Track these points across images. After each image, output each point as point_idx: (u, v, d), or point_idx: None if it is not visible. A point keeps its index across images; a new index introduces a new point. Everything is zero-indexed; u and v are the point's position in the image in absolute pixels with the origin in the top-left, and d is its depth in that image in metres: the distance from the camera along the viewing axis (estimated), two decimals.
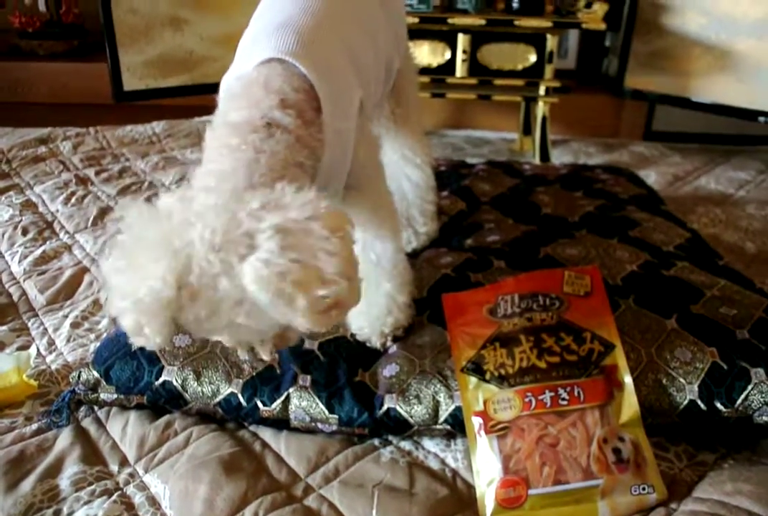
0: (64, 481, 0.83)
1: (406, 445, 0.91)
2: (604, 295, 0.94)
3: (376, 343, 0.99)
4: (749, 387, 0.89)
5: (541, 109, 2.14)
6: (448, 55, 2.05)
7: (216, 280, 0.61)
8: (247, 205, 0.64)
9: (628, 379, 0.88)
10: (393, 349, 0.98)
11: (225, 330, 0.67)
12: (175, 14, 2.16)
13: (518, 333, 0.90)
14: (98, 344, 0.99)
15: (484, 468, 0.84)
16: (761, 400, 0.89)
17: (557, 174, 1.65)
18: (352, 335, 1.00)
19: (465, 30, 2.01)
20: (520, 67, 2.07)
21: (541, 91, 2.09)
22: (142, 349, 0.92)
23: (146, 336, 0.63)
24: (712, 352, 0.93)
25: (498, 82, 2.08)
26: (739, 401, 0.89)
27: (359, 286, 0.68)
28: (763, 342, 0.95)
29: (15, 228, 1.50)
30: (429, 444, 0.91)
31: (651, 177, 2.06)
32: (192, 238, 0.62)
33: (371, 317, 0.98)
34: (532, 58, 2.05)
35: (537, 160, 2.14)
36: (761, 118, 2.13)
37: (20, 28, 2.73)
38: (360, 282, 0.68)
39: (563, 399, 0.85)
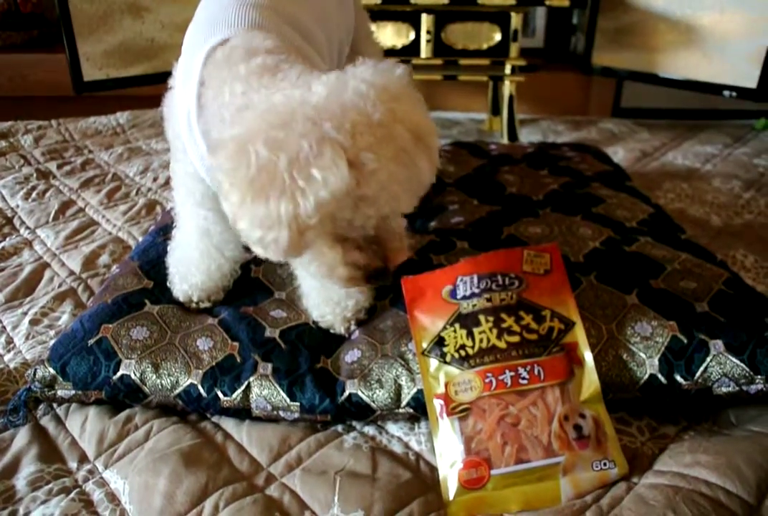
0: (21, 481, 0.81)
1: (369, 430, 0.91)
2: (563, 273, 0.94)
3: (339, 328, 0.98)
4: (708, 359, 0.90)
5: (507, 88, 2.13)
6: (412, 35, 2.03)
7: (390, 169, 0.68)
8: (346, 82, 0.68)
9: (588, 356, 0.88)
10: (356, 334, 0.98)
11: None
12: (134, 1, 2.12)
13: (478, 314, 0.90)
14: (54, 341, 0.97)
15: (447, 450, 0.84)
16: (720, 371, 0.89)
17: (524, 153, 1.65)
18: (314, 323, 1.00)
19: (428, 10, 1.99)
20: (485, 46, 2.05)
21: (507, 70, 2.08)
22: (98, 343, 0.92)
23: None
24: (672, 325, 0.93)
25: (463, 61, 2.06)
26: (698, 373, 0.89)
27: None
28: (722, 314, 0.95)
29: None
30: (393, 428, 0.91)
31: (619, 153, 2.07)
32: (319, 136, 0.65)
33: (332, 303, 0.97)
34: (497, 36, 2.04)
35: (505, 140, 2.13)
36: (726, 92, 2.14)
37: None
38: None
39: (523, 378, 0.85)
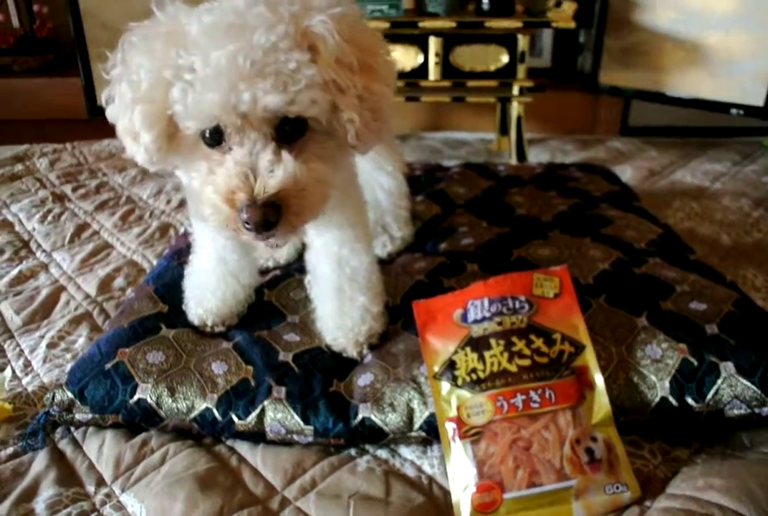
0: (40, 505, 0.82)
1: (382, 453, 0.91)
2: (573, 296, 0.95)
3: (352, 352, 1.00)
4: (719, 381, 0.90)
5: (515, 109, 2.15)
6: (420, 58, 2.06)
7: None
8: None
9: (599, 379, 0.89)
10: (368, 358, 0.99)
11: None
12: None
13: (489, 337, 0.91)
14: (72, 364, 0.98)
15: (459, 473, 0.84)
16: (731, 393, 0.90)
17: (532, 174, 1.66)
18: (327, 346, 1.01)
19: (436, 33, 2.02)
20: (492, 67, 2.08)
21: (515, 91, 2.10)
22: (115, 367, 0.93)
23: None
24: (682, 348, 0.93)
25: (471, 83, 2.09)
26: (709, 396, 0.90)
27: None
28: (732, 336, 0.95)
29: None
30: (405, 451, 0.92)
31: (627, 172, 2.08)
32: None
33: (345, 328, 0.99)
34: (504, 58, 2.06)
35: (513, 160, 2.15)
36: (733, 111, 2.16)
37: None
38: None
39: (534, 402, 0.86)
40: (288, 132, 0.73)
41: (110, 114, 0.79)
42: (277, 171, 0.70)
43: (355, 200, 0.99)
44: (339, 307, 0.98)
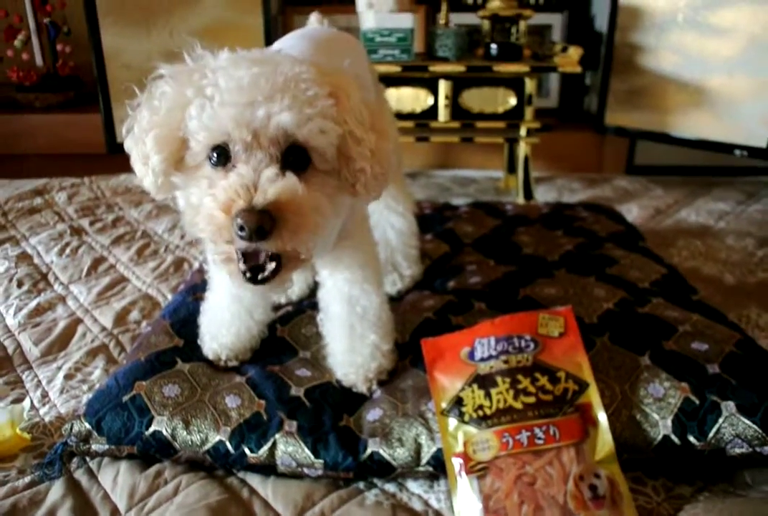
0: None
1: (390, 487, 0.93)
2: (577, 335, 0.97)
3: (361, 388, 1.02)
4: (720, 420, 0.92)
5: (522, 149, 2.20)
6: (430, 100, 2.12)
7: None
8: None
9: (602, 417, 0.91)
10: (377, 393, 1.01)
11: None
12: None
13: (495, 375, 0.93)
14: (90, 396, 1.01)
15: (465, 508, 0.86)
16: (732, 432, 0.91)
17: (539, 213, 1.70)
18: (338, 381, 1.04)
19: (446, 76, 2.08)
20: (501, 109, 2.13)
21: (522, 132, 2.15)
22: (132, 400, 0.96)
23: None
24: (684, 387, 0.96)
25: (480, 124, 2.15)
26: (711, 434, 0.92)
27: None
28: (733, 376, 0.98)
29: (10, 280, 1.54)
30: (413, 486, 0.94)
31: (633, 211, 2.11)
32: None
33: (356, 365, 1.02)
34: (512, 101, 2.12)
35: (521, 199, 2.19)
36: (737, 152, 2.20)
37: (18, 82, 2.81)
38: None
39: (539, 438, 0.88)
40: (292, 162, 0.75)
41: (127, 144, 0.83)
42: (278, 182, 0.72)
43: (366, 241, 1.03)
44: (350, 344, 1.01)
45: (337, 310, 1.01)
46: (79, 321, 1.38)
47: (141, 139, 0.79)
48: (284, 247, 0.73)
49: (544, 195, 2.31)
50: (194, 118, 0.74)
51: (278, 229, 0.71)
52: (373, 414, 0.97)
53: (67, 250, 1.72)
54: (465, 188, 2.43)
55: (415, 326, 1.14)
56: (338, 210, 0.87)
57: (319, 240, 0.83)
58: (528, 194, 2.20)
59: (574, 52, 2.05)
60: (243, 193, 0.70)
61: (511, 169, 2.40)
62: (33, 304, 1.44)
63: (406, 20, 2.01)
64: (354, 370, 1.01)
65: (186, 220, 0.77)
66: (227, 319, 1.05)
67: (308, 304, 1.21)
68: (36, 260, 1.67)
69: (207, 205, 0.73)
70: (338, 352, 1.03)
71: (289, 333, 1.14)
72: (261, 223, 0.70)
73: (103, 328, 1.34)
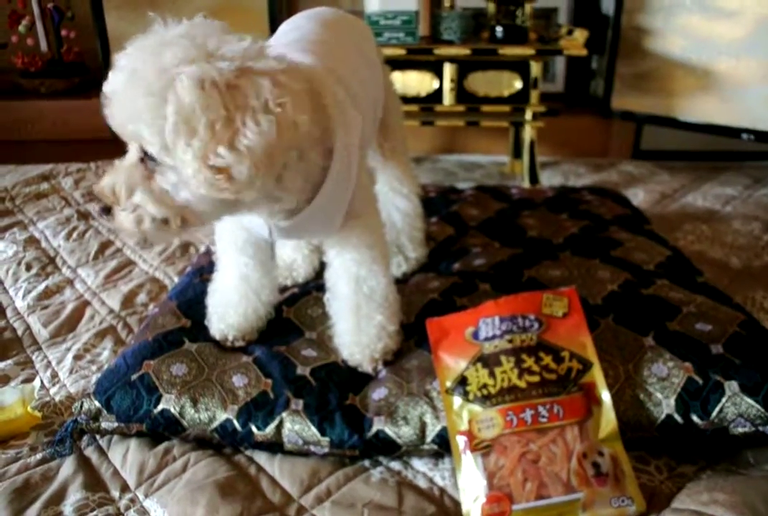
0: (68, 508, 0.86)
1: (395, 465, 0.95)
2: (581, 315, 0.98)
3: (367, 367, 1.03)
4: (723, 400, 0.93)
5: (528, 133, 2.19)
6: (435, 84, 2.11)
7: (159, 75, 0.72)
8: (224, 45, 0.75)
9: (606, 396, 0.92)
10: (382, 373, 1.02)
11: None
12: None
13: (499, 354, 0.94)
14: (99, 375, 1.03)
15: (470, 485, 0.87)
16: (735, 411, 0.92)
17: (544, 197, 1.70)
18: (343, 361, 1.05)
19: (451, 59, 2.07)
20: (506, 93, 2.13)
21: (528, 116, 2.15)
22: (140, 378, 0.98)
23: None
24: (688, 367, 0.96)
25: (485, 108, 2.14)
26: (714, 414, 0.92)
27: (260, 180, 0.77)
28: (737, 356, 0.98)
29: (19, 264, 1.55)
30: (418, 464, 0.95)
31: (639, 195, 2.11)
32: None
33: (362, 345, 1.03)
34: (518, 84, 2.11)
35: (526, 183, 2.19)
36: (744, 136, 2.19)
37: (23, 68, 2.81)
38: (258, 174, 0.76)
39: (543, 416, 0.89)
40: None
41: None
42: None
43: (374, 222, 1.03)
44: (356, 325, 1.02)
45: (344, 290, 1.01)
46: (87, 303, 1.39)
47: None
48: None
49: (549, 179, 2.31)
50: None
51: None
52: (378, 393, 0.98)
53: (75, 235, 1.73)
54: (470, 173, 2.43)
55: (421, 307, 1.15)
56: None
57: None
58: (533, 179, 2.20)
59: (580, 35, 2.04)
60: None
61: (517, 153, 2.39)
62: (41, 287, 1.45)
63: (411, 3, 2.00)
64: (360, 350, 1.02)
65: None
66: (234, 299, 1.06)
67: (314, 286, 1.22)
68: (44, 244, 1.69)
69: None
70: (344, 332, 1.04)
71: (295, 314, 1.15)
72: None
73: (111, 311, 1.35)
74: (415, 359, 1.03)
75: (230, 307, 1.06)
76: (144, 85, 0.73)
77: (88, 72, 2.88)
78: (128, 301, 1.39)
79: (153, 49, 0.75)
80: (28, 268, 1.54)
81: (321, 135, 0.87)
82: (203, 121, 0.72)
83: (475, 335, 0.97)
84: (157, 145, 0.75)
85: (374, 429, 0.93)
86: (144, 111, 0.74)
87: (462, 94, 2.12)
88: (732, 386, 0.94)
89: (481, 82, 2.11)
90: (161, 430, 0.96)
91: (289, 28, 1.13)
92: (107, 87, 0.77)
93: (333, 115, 0.88)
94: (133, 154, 0.81)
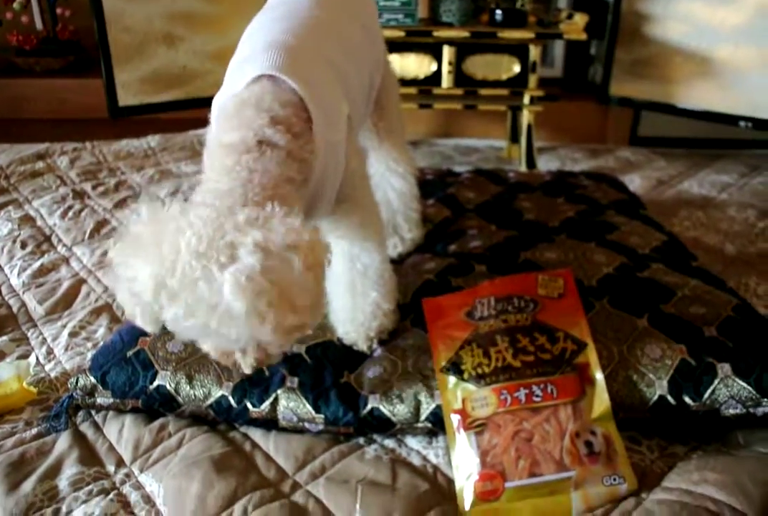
0: (63, 482, 0.87)
1: (389, 442, 0.95)
2: (576, 297, 0.98)
3: (362, 346, 1.04)
4: (716, 381, 0.94)
5: (526, 117, 2.19)
6: (434, 66, 2.10)
7: (195, 283, 0.66)
8: (235, 218, 0.69)
9: (599, 376, 0.92)
10: (378, 351, 1.02)
11: (203, 334, 0.71)
12: (169, 31, 2.22)
13: (494, 334, 0.95)
14: (95, 351, 1.03)
15: (463, 463, 0.88)
16: (727, 393, 0.93)
17: (540, 181, 1.70)
18: (339, 339, 1.05)
19: (450, 42, 2.06)
20: (504, 77, 2.12)
21: (526, 100, 2.14)
22: (136, 355, 0.98)
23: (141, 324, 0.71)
24: (681, 349, 0.97)
25: (483, 92, 2.13)
26: (706, 395, 0.93)
27: (322, 312, 0.76)
28: (730, 339, 0.99)
29: (14, 242, 1.55)
30: (412, 441, 0.96)
31: (636, 182, 2.11)
32: (180, 244, 0.67)
33: (357, 323, 1.03)
34: (516, 68, 2.10)
35: (523, 167, 2.19)
36: (742, 123, 2.19)
37: (17, 46, 2.79)
38: (322, 307, 0.76)
39: (537, 396, 0.89)
40: None
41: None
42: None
43: (366, 201, 1.03)
44: (351, 302, 1.02)
45: (338, 268, 1.02)
46: (82, 281, 1.39)
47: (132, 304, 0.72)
48: None
49: (546, 164, 2.30)
50: None
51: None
52: (373, 371, 0.98)
53: (70, 213, 1.73)
54: (467, 157, 2.42)
55: (416, 287, 1.15)
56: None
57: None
58: (530, 163, 2.20)
59: (580, 19, 2.03)
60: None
61: (514, 138, 2.39)
62: (37, 264, 1.45)
63: None
64: (354, 328, 1.02)
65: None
66: None
67: None
68: (39, 223, 1.68)
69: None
70: (340, 308, 1.04)
71: None
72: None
73: (107, 289, 1.35)
74: (411, 338, 1.03)
75: None
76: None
77: (83, 51, 2.86)
78: None
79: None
80: (23, 246, 1.54)
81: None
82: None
83: (471, 315, 0.98)
84: None
85: (369, 406, 0.94)
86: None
87: (460, 77, 2.10)
88: (724, 368, 0.94)
89: (480, 66, 2.09)
90: (156, 407, 0.97)
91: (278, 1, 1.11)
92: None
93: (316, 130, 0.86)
94: None
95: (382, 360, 1.00)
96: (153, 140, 2.37)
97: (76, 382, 0.97)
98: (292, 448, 0.93)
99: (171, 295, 0.66)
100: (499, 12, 2.07)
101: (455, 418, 0.91)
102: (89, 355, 1.10)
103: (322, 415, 0.93)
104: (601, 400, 0.91)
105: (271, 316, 0.66)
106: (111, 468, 0.90)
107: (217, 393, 0.95)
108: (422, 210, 1.38)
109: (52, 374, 1.09)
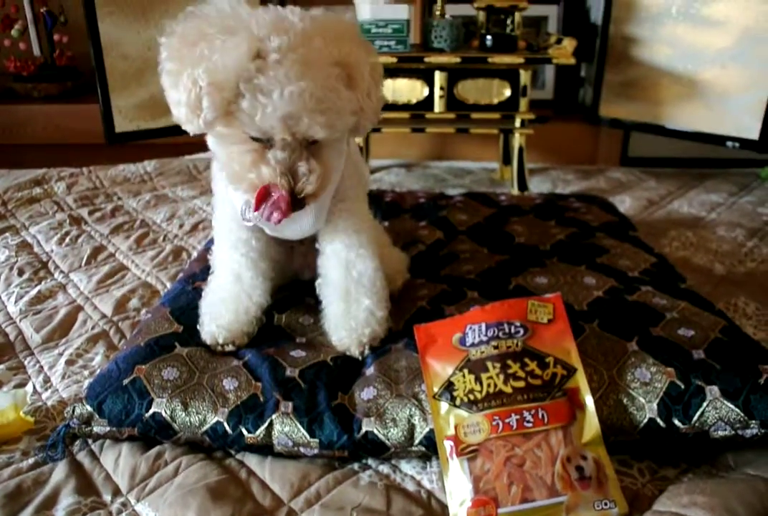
0: (60, 512, 0.87)
1: (384, 468, 0.96)
2: (566, 322, 1.00)
3: (354, 351, 1.07)
4: (704, 404, 0.95)
5: (517, 140, 2.22)
6: (426, 91, 2.14)
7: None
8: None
9: (589, 401, 0.94)
10: (371, 370, 1.03)
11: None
12: None
13: (485, 360, 0.96)
14: (91, 380, 1.04)
15: (456, 489, 0.89)
16: (716, 415, 0.94)
17: (532, 204, 1.73)
18: (332, 359, 1.06)
19: (441, 67, 2.10)
20: (495, 100, 2.15)
21: (517, 123, 2.17)
22: (132, 383, 0.99)
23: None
24: (670, 371, 0.99)
25: (475, 115, 2.16)
26: (695, 418, 0.95)
27: None
28: (718, 361, 1.00)
29: (11, 269, 1.56)
30: (406, 467, 0.97)
31: (626, 202, 2.14)
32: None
33: (350, 329, 1.07)
34: (507, 92, 2.14)
35: (515, 189, 2.21)
36: (729, 143, 2.22)
37: (15, 72, 2.82)
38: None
39: (528, 421, 0.91)
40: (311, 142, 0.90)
41: (165, 82, 0.89)
42: (311, 177, 0.88)
43: (360, 206, 1.09)
44: (345, 308, 1.06)
45: (334, 275, 1.06)
46: (79, 308, 1.40)
47: (193, 92, 0.84)
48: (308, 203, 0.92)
49: (538, 186, 2.33)
50: (245, 111, 0.84)
51: (307, 201, 0.90)
52: (367, 393, 0.99)
53: (67, 239, 1.75)
54: (460, 179, 2.45)
55: (410, 314, 1.17)
56: (341, 151, 1.02)
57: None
58: (522, 185, 2.22)
59: (569, 44, 2.07)
60: (284, 182, 0.87)
61: (506, 160, 2.42)
62: (34, 292, 1.46)
63: (402, 11, 2.03)
64: (348, 334, 1.06)
65: (227, 174, 0.93)
66: (226, 298, 1.09)
67: (307, 292, 1.21)
68: (36, 249, 1.70)
69: (250, 179, 0.89)
70: (333, 315, 1.08)
71: (286, 322, 1.17)
72: (295, 208, 0.90)
73: (104, 316, 1.37)
74: (404, 360, 1.05)
75: (222, 306, 1.08)
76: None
77: (80, 76, 2.90)
78: (121, 306, 1.40)
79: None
80: (21, 272, 1.55)
81: None
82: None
83: (462, 341, 0.99)
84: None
85: (363, 430, 0.95)
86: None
87: (452, 101, 2.14)
88: (713, 391, 0.96)
89: (471, 90, 2.13)
90: (153, 434, 0.97)
91: None
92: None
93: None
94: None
95: (376, 381, 1.01)
96: (149, 165, 2.40)
97: (73, 411, 0.98)
98: (288, 475, 0.94)
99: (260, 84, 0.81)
100: (489, 37, 2.11)
101: (448, 444, 0.92)
102: (86, 383, 1.11)
103: (316, 439, 0.94)
104: (591, 425, 0.92)
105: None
106: (107, 497, 0.91)
107: (212, 419, 0.96)
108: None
109: (49, 403, 1.10)
